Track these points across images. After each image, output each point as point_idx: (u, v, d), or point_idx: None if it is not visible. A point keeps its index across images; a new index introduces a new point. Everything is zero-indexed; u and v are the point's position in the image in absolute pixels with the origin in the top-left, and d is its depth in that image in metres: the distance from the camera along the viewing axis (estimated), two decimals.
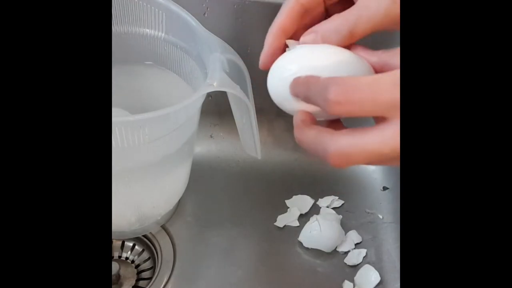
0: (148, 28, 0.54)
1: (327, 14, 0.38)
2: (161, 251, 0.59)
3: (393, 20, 0.33)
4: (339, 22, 0.34)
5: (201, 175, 0.66)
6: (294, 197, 0.65)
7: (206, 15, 0.62)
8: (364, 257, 0.60)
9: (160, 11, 0.52)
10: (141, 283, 0.57)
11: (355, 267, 0.59)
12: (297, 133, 0.33)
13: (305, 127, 0.32)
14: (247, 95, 0.46)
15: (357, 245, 0.61)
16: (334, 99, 0.28)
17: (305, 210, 0.64)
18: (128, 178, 0.49)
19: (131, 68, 0.57)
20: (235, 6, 0.61)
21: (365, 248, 0.61)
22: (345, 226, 0.62)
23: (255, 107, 0.47)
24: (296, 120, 0.33)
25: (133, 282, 0.57)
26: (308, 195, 0.65)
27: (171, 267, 0.57)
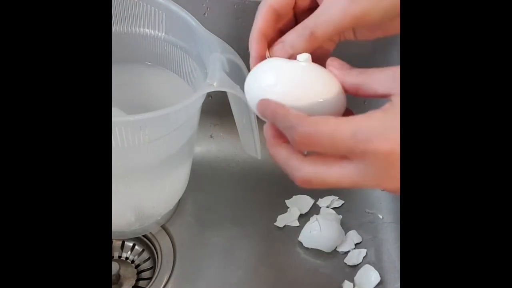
0: (148, 28, 0.54)
1: (296, 22, 0.40)
2: (161, 251, 0.59)
3: (354, 19, 0.35)
4: (300, 27, 0.36)
5: (201, 175, 0.66)
6: (294, 197, 0.65)
7: (206, 15, 0.62)
8: (364, 257, 0.60)
9: (160, 11, 0.52)
10: (141, 283, 0.57)
11: (355, 267, 0.59)
12: (270, 148, 0.35)
13: (277, 145, 0.34)
14: None
15: (357, 245, 0.61)
16: (299, 140, 0.31)
17: (305, 210, 0.64)
18: (128, 178, 0.49)
19: (131, 68, 0.57)
20: (235, 6, 0.61)
21: (365, 248, 0.61)
22: (345, 226, 0.62)
23: None
24: (266, 135, 0.35)
25: (133, 282, 0.57)
26: (308, 195, 0.65)
27: (171, 267, 0.57)
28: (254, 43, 0.38)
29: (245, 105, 0.46)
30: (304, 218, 0.63)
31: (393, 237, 0.62)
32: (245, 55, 0.48)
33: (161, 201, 0.56)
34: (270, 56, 0.38)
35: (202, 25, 0.50)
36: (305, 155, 0.33)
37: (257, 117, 0.47)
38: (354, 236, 0.62)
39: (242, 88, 0.45)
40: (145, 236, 0.60)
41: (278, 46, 0.37)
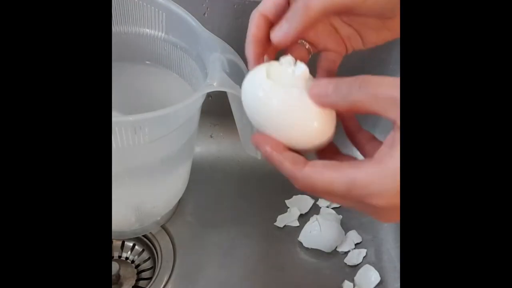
0: (148, 28, 0.54)
1: None
2: (161, 251, 0.59)
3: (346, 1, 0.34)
4: (294, 3, 0.36)
5: (201, 175, 0.66)
6: (294, 197, 0.65)
7: (206, 15, 0.62)
8: (364, 257, 0.60)
9: (160, 11, 0.52)
10: (141, 283, 0.57)
11: (355, 267, 0.59)
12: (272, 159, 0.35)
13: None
14: None
15: (357, 245, 0.61)
16: (299, 187, 0.33)
17: (305, 210, 0.64)
18: (128, 178, 0.50)
19: (131, 68, 0.57)
20: (235, 6, 0.61)
21: (365, 248, 0.61)
22: (345, 226, 0.62)
23: None
24: (264, 149, 0.34)
25: (133, 282, 0.57)
26: (308, 195, 0.65)
27: (171, 267, 0.57)
28: (250, 50, 0.38)
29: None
30: (304, 218, 0.63)
31: (393, 237, 0.62)
32: (245, 55, 0.48)
33: (161, 201, 0.56)
34: (268, 55, 0.38)
35: (202, 25, 0.50)
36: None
37: None
38: (354, 236, 0.62)
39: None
40: (145, 236, 0.60)
41: (275, 29, 0.36)
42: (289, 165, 0.32)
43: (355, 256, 0.60)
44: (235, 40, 0.51)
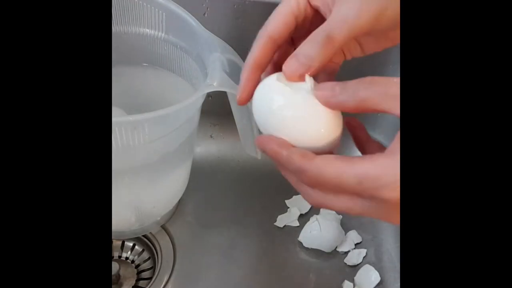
0: (148, 28, 0.54)
1: (294, 48, 0.38)
2: (161, 251, 0.59)
3: (370, 18, 0.33)
4: (314, 32, 0.34)
5: (201, 175, 0.66)
6: (294, 197, 0.65)
7: (206, 15, 0.62)
8: (364, 257, 0.60)
9: (160, 11, 0.52)
10: (141, 283, 0.57)
11: (355, 267, 0.59)
12: (280, 170, 0.35)
13: (286, 169, 0.34)
14: None
15: (357, 245, 0.61)
16: (305, 182, 0.32)
17: (305, 210, 0.64)
18: (128, 178, 0.50)
19: (131, 68, 0.57)
20: (235, 6, 0.61)
21: (365, 248, 0.61)
22: (345, 226, 0.62)
23: None
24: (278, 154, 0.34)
25: (133, 282, 0.57)
26: None
27: (171, 267, 0.57)
28: (247, 73, 0.37)
29: (245, 105, 0.46)
30: (304, 218, 0.63)
31: (393, 237, 0.62)
32: (245, 55, 0.48)
33: (161, 201, 0.56)
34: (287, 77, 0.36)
35: (202, 25, 0.50)
36: None
37: None
38: (354, 236, 0.62)
39: None
40: (145, 236, 0.60)
41: (292, 61, 0.34)
42: (298, 157, 0.32)
43: (355, 256, 0.60)
44: (235, 40, 0.51)
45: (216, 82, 0.43)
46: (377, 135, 0.36)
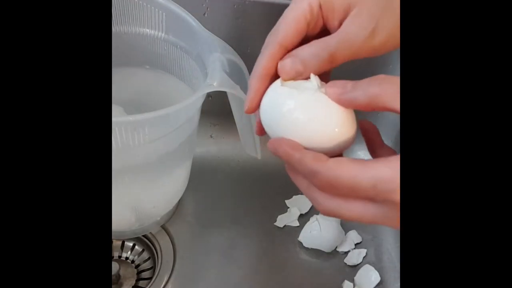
0: (148, 28, 0.54)
1: None
2: (161, 251, 0.59)
3: (372, 50, 0.34)
4: (320, 46, 0.34)
5: (201, 175, 0.66)
6: (294, 197, 0.65)
7: (206, 15, 0.62)
8: (364, 257, 0.60)
9: (160, 11, 0.52)
10: (141, 283, 0.57)
11: (355, 267, 0.59)
12: (290, 175, 0.34)
13: (297, 174, 0.34)
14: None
15: (357, 245, 0.61)
16: (318, 186, 0.31)
17: (305, 210, 0.64)
18: (128, 178, 0.50)
19: (131, 68, 0.57)
20: (235, 6, 0.61)
21: (365, 248, 0.61)
22: (345, 226, 0.62)
23: None
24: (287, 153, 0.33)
25: (133, 282, 0.57)
26: None
27: (171, 267, 0.57)
28: (255, 82, 0.35)
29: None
30: (304, 218, 0.63)
31: (393, 237, 0.62)
32: (245, 55, 0.49)
33: (161, 201, 0.56)
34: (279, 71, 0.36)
35: (202, 25, 0.50)
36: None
37: None
38: (354, 236, 0.62)
39: (242, 88, 0.45)
40: (145, 236, 0.60)
41: (288, 60, 0.34)
42: (310, 160, 0.31)
43: (355, 256, 0.60)
44: (235, 40, 0.51)
45: (216, 82, 0.43)
46: None
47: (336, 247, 0.61)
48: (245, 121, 0.50)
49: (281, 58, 0.35)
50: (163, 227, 0.60)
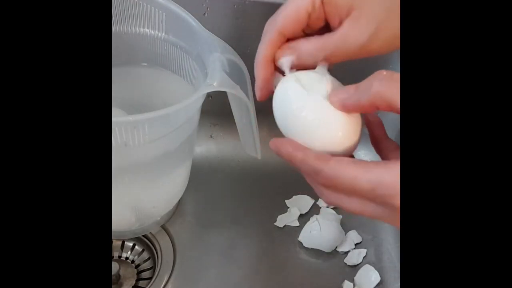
0: (148, 28, 0.54)
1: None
2: (161, 251, 0.59)
3: (368, 54, 0.35)
4: (317, 47, 0.35)
5: (201, 175, 0.66)
6: (294, 197, 0.65)
7: (206, 15, 0.62)
8: (364, 257, 0.60)
9: (160, 11, 0.52)
10: (141, 283, 0.57)
11: (355, 267, 0.59)
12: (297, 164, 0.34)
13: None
14: (247, 95, 0.46)
15: (357, 245, 0.61)
16: (322, 182, 0.32)
17: (305, 210, 0.64)
18: (128, 178, 0.50)
19: (131, 68, 0.57)
20: (235, 6, 0.61)
21: (365, 248, 0.61)
22: (345, 226, 0.62)
23: (255, 107, 0.47)
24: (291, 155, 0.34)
25: (133, 282, 0.57)
26: (308, 195, 0.65)
27: (171, 267, 0.57)
28: (259, 70, 0.37)
29: (245, 105, 0.46)
30: (304, 218, 0.63)
31: (393, 237, 0.62)
32: (245, 55, 0.49)
33: (161, 201, 0.56)
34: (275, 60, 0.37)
35: (202, 25, 0.50)
36: None
37: (257, 117, 0.48)
38: (354, 236, 0.62)
39: (242, 88, 0.45)
40: (145, 236, 0.60)
41: (286, 52, 0.35)
42: (312, 159, 0.32)
43: (355, 256, 0.60)
44: (235, 40, 0.51)
45: (216, 82, 0.43)
46: None
47: (336, 247, 0.61)
48: (245, 121, 0.50)
49: (280, 45, 0.36)
50: (163, 227, 0.60)
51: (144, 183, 0.52)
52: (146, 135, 0.44)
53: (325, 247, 0.60)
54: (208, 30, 0.49)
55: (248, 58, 0.45)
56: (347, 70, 0.41)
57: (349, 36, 0.34)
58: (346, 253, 0.60)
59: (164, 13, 0.52)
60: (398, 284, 0.57)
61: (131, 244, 0.60)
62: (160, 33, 0.54)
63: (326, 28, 0.37)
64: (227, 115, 0.50)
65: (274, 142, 0.34)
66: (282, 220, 0.63)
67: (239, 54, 0.48)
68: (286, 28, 0.36)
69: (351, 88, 0.32)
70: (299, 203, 0.64)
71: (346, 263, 0.60)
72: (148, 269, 0.58)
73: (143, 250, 0.60)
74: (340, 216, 0.63)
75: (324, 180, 0.32)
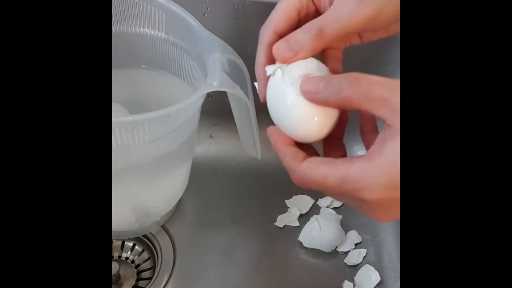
0: (148, 28, 0.54)
1: None
2: (161, 251, 0.59)
3: (363, 20, 0.35)
4: (308, 25, 0.36)
5: (201, 175, 0.66)
6: (294, 197, 0.65)
7: (206, 15, 0.62)
8: (364, 257, 0.60)
9: (160, 11, 0.52)
10: (141, 283, 0.57)
11: (355, 267, 0.59)
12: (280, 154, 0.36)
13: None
14: (247, 95, 0.46)
15: (357, 245, 0.61)
16: (296, 180, 0.35)
17: (305, 210, 0.64)
18: (128, 178, 0.50)
19: (131, 68, 0.57)
20: (235, 6, 0.61)
21: (365, 248, 0.61)
22: (345, 226, 0.62)
23: (255, 107, 0.47)
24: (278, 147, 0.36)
25: (133, 282, 0.57)
26: (308, 195, 0.65)
27: (171, 267, 0.57)
28: (260, 70, 0.38)
29: (245, 105, 0.46)
30: (304, 218, 0.63)
31: (393, 237, 0.62)
32: (245, 55, 0.49)
33: (161, 201, 0.56)
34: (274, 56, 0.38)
35: (202, 25, 0.50)
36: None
37: (257, 117, 0.48)
38: (354, 236, 0.62)
39: (242, 88, 0.45)
40: (145, 236, 0.60)
41: (282, 44, 0.36)
42: (289, 159, 0.35)
43: (355, 256, 0.60)
44: (235, 40, 0.51)
45: (216, 82, 0.43)
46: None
47: (336, 247, 0.61)
48: (245, 121, 0.50)
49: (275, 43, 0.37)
50: (163, 227, 0.60)
51: (144, 183, 0.52)
52: (146, 135, 0.44)
53: (325, 247, 0.60)
54: (208, 30, 0.49)
55: (248, 58, 0.45)
56: (349, 69, 0.42)
57: (338, 5, 0.35)
58: (346, 253, 0.60)
59: (164, 13, 0.52)
60: (398, 284, 0.57)
61: (131, 244, 0.60)
62: (160, 33, 0.54)
63: None
64: (227, 115, 0.50)
65: (270, 130, 0.37)
66: (282, 220, 0.63)
67: (239, 54, 0.48)
68: (279, 27, 0.37)
69: (321, 82, 0.33)
70: (299, 203, 0.64)
71: (346, 263, 0.60)
72: (148, 269, 0.58)
73: (143, 250, 0.60)
74: (340, 216, 0.63)
75: (296, 179, 0.34)
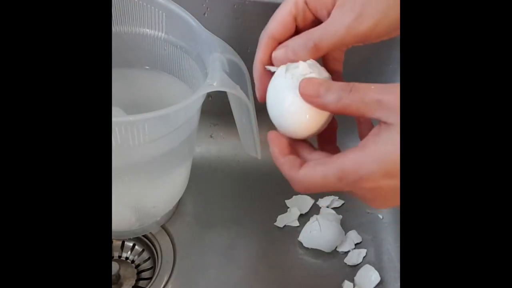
0: (148, 28, 0.54)
1: None
2: (161, 251, 0.59)
3: (358, 36, 0.35)
4: (306, 37, 0.37)
5: (201, 175, 0.66)
6: (294, 197, 0.65)
7: (206, 15, 0.62)
8: (364, 257, 0.60)
9: (160, 11, 0.52)
10: (141, 283, 0.57)
11: (355, 267, 0.59)
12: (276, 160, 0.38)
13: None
14: (247, 95, 0.46)
15: (357, 245, 0.61)
16: (298, 189, 0.36)
17: (305, 210, 0.64)
18: (128, 178, 0.50)
19: (130, 68, 0.57)
20: (235, 6, 0.61)
21: (365, 248, 0.61)
22: (345, 226, 0.62)
23: (255, 107, 0.47)
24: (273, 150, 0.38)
25: (133, 282, 0.57)
26: (308, 195, 0.65)
27: (171, 267, 0.57)
28: (258, 73, 0.39)
29: (245, 105, 0.46)
30: (304, 218, 0.63)
31: (393, 237, 0.62)
32: (245, 55, 0.49)
33: (161, 201, 0.56)
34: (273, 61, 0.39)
35: (202, 25, 0.50)
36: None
37: (257, 117, 0.48)
38: (354, 236, 0.62)
39: (242, 88, 0.45)
40: (145, 236, 0.60)
41: (281, 51, 0.38)
42: (287, 168, 0.36)
43: (355, 256, 0.60)
44: (235, 40, 0.51)
45: (216, 82, 0.43)
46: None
47: (336, 247, 0.61)
48: (245, 121, 0.50)
49: (274, 48, 0.39)
50: (163, 227, 0.60)
51: (144, 183, 0.52)
52: (146, 135, 0.44)
53: (325, 247, 0.60)
54: (208, 30, 0.49)
55: (248, 58, 0.45)
56: (347, 70, 0.41)
57: (335, 19, 0.36)
58: (346, 253, 0.60)
59: (164, 13, 0.52)
60: (398, 284, 0.57)
61: (131, 244, 0.60)
62: (160, 33, 0.54)
63: (315, 25, 0.38)
64: (227, 115, 0.50)
65: (270, 135, 0.38)
66: (282, 220, 0.63)
67: (239, 54, 0.48)
68: (276, 32, 0.38)
69: (322, 87, 0.34)
70: (299, 203, 0.64)
71: (346, 263, 0.60)
72: (148, 269, 0.58)
73: (143, 250, 0.60)
74: (340, 216, 0.63)
75: (297, 187, 0.35)
